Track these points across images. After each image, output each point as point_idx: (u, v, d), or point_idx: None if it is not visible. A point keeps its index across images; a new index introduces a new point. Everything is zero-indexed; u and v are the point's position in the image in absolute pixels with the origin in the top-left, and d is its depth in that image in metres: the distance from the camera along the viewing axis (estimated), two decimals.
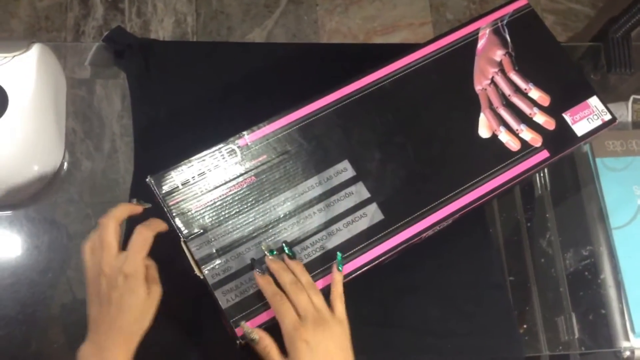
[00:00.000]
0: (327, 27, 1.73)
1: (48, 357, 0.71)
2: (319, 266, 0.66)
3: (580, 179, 0.88)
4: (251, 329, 0.61)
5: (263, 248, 0.65)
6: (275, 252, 0.64)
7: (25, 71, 0.72)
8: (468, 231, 0.77)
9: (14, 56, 0.72)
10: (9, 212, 0.76)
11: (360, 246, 0.67)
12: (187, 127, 0.80)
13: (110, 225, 0.59)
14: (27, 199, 0.76)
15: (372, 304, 0.74)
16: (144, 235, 0.60)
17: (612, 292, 0.82)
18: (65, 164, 0.79)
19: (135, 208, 0.62)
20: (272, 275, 0.63)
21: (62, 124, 0.79)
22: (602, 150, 0.88)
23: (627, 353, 0.80)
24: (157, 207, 0.66)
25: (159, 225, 0.62)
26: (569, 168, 0.88)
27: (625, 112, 0.92)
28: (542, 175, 0.86)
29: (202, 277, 0.64)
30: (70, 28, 1.64)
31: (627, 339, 0.80)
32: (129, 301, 0.58)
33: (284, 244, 0.65)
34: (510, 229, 0.83)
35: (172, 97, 0.82)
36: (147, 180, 0.66)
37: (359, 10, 1.75)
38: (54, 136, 0.76)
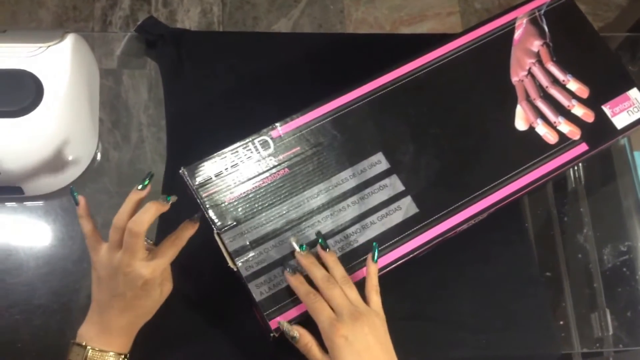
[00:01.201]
0: (353, 16, 1.72)
1: None
2: (353, 259, 0.65)
3: (616, 172, 0.86)
4: (291, 326, 0.61)
5: (293, 242, 0.64)
6: (305, 247, 0.64)
7: (60, 61, 0.72)
8: (503, 225, 0.76)
9: (49, 46, 0.72)
10: (43, 202, 0.76)
11: (394, 240, 0.66)
12: (219, 117, 0.80)
13: (142, 234, 0.58)
14: (62, 189, 0.76)
15: (405, 297, 0.73)
16: (174, 249, 0.60)
17: None
18: (99, 155, 0.79)
19: (164, 207, 0.61)
20: (303, 272, 0.63)
21: (95, 114, 0.79)
22: None
23: None
24: (189, 199, 0.66)
25: (191, 232, 0.62)
26: (605, 161, 0.86)
27: None
28: (576, 168, 0.84)
29: (235, 270, 0.64)
30: (97, 18, 1.65)
31: None
32: (142, 302, 0.60)
33: (317, 235, 0.64)
34: (542, 223, 0.82)
35: (205, 87, 0.82)
36: (181, 171, 0.66)
37: None
38: (89, 127, 0.76)
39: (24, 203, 0.76)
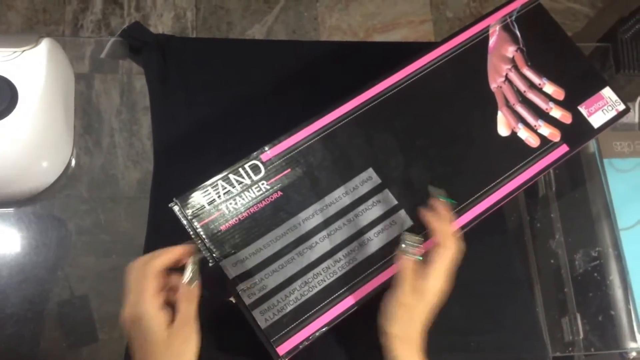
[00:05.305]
0: (327, 23, 1.73)
1: (57, 355, 0.70)
2: (353, 278, 0.64)
3: (586, 179, 0.87)
4: None
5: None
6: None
7: (35, 66, 0.70)
8: (487, 229, 0.75)
9: (24, 51, 0.71)
10: (16, 209, 0.75)
11: (392, 255, 0.65)
12: (205, 123, 0.79)
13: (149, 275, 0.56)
14: (35, 196, 0.74)
15: None
16: (136, 275, 0.56)
17: (619, 294, 0.82)
18: (73, 161, 0.78)
19: (177, 259, 0.58)
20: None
21: (70, 120, 0.78)
22: (609, 151, 0.87)
23: (634, 354, 0.79)
24: (184, 230, 0.63)
25: (168, 256, 0.58)
26: (574, 168, 0.88)
27: (632, 113, 0.91)
28: (546, 175, 0.86)
29: (236, 299, 0.62)
30: (68, 22, 1.62)
31: (634, 339, 0.80)
32: (145, 341, 0.55)
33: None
34: (514, 229, 0.83)
35: (190, 93, 0.81)
36: (171, 205, 0.63)
37: (359, 7, 1.75)
38: (63, 133, 0.75)
39: None
